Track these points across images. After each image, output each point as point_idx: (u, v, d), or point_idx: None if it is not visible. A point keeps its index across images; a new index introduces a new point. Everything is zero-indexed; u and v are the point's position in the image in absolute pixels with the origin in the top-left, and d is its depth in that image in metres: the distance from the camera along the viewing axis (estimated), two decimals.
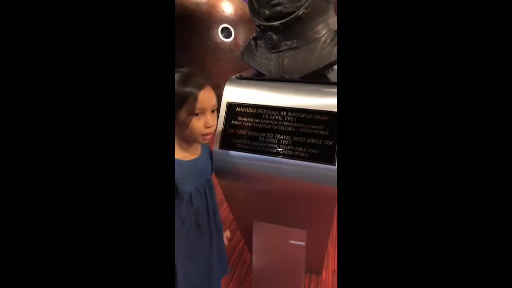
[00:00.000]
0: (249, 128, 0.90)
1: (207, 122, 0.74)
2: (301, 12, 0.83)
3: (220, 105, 0.95)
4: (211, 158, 0.91)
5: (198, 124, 0.73)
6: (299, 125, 0.85)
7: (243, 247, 1.69)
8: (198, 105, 0.71)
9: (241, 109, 0.91)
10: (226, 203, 1.91)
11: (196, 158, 0.82)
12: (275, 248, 1.17)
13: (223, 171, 0.94)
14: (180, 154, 0.79)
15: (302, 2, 0.84)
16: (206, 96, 0.72)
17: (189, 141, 0.79)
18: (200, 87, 0.72)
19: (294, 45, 0.90)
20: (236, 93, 0.93)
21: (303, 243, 1.12)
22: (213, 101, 0.75)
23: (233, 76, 0.99)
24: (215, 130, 0.83)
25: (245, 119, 0.91)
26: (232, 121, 0.92)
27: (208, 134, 0.76)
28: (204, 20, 3.12)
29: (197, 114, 0.72)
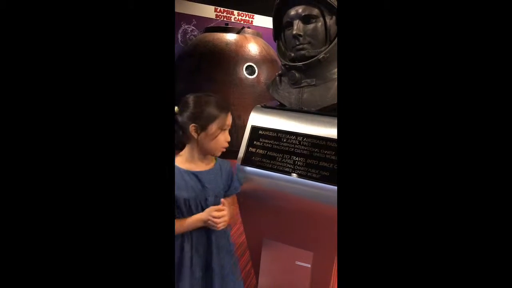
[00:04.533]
0: (269, 149, 1.03)
1: (227, 137, 0.93)
2: (321, 56, 1.00)
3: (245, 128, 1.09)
4: (231, 179, 0.98)
5: (222, 137, 0.91)
6: (313, 149, 0.97)
7: (249, 271, 1.72)
8: (227, 122, 0.91)
9: (263, 132, 1.05)
10: (237, 226, 1.98)
11: (205, 171, 0.92)
12: (282, 269, 1.22)
13: (242, 186, 1.05)
14: (191, 165, 0.92)
15: (323, 49, 1.02)
16: (230, 117, 0.93)
17: (208, 152, 0.93)
18: (229, 109, 0.93)
19: (313, 83, 1.05)
20: (260, 119, 1.08)
21: (309, 265, 1.18)
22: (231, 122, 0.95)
23: (259, 105, 1.14)
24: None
25: (266, 141, 1.04)
26: (254, 142, 1.05)
27: (225, 148, 0.93)
28: (232, 58, 3.45)
29: (224, 129, 0.91)
